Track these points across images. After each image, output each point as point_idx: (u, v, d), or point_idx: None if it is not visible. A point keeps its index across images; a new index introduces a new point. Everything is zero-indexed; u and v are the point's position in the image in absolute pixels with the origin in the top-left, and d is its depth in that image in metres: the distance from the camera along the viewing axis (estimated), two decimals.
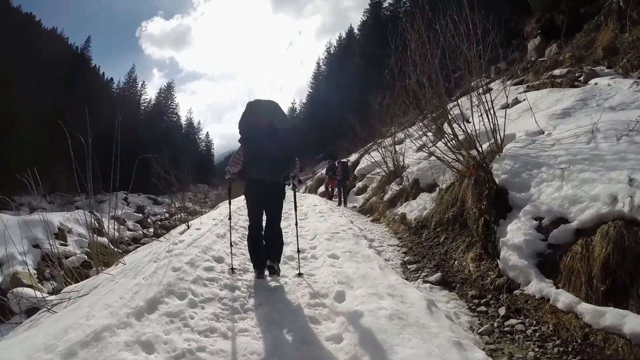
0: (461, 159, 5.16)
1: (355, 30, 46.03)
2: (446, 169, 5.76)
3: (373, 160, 11.33)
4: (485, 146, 4.97)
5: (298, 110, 58.44)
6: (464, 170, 5.05)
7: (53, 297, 4.42)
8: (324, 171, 22.00)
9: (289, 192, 4.05)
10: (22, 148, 22.74)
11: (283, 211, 3.85)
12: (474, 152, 4.92)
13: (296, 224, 4.07)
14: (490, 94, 5.12)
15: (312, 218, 7.15)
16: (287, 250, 4.46)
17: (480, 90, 5.15)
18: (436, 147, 5.61)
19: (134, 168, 4.65)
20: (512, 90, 7.20)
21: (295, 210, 4.10)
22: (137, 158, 4.72)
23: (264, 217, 3.77)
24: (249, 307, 3.09)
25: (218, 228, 5.34)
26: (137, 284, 3.01)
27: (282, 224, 3.94)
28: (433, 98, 5.44)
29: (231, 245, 4.11)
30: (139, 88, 56.75)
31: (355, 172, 14.50)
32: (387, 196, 8.63)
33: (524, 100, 6.42)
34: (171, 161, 5.77)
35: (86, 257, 9.74)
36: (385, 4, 38.24)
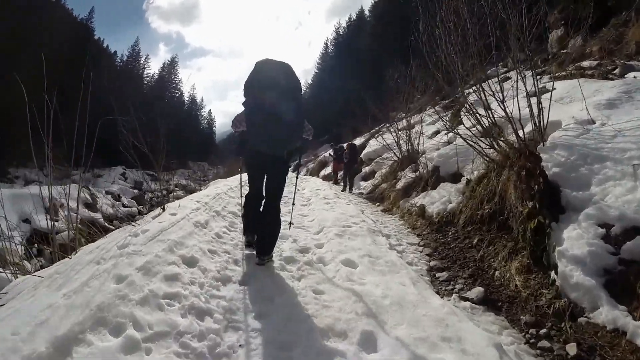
0: (496, 146, 4.40)
1: (367, 12, 44.90)
2: (475, 156, 5.00)
3: (385, 143, 10.47)
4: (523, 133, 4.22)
5: (303, 91, 57.42)
6: (501, 159, 4.29)
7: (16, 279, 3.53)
8: (327, 153, 21.25)
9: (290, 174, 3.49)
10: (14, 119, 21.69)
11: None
12: (512, 139, 4.18)
13: (290, 222, 3.63)
14: (534, 74, 4.39)
15: (316, 205, 6.30)
16: (286, 248, 3.64)
17: (498, 79, 4.55)
18: (468, 129, 4.83)
19: (96, 132, 3.78)
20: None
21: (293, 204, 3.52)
22: (101, 120, 3.86)
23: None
24: (223, 350, 2.01)
25: (199, 214, 4.22)
26: (49, 306, 1.94)
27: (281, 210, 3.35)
28: (470, 71, 4.67)
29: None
30: (142, 62, 55.38)
31: (361, 156, 13.71)
32: (400, 184, 7.85)
33: (554, 89, 5.84)
34: (145, 127, 4.88)
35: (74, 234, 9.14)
36: None
